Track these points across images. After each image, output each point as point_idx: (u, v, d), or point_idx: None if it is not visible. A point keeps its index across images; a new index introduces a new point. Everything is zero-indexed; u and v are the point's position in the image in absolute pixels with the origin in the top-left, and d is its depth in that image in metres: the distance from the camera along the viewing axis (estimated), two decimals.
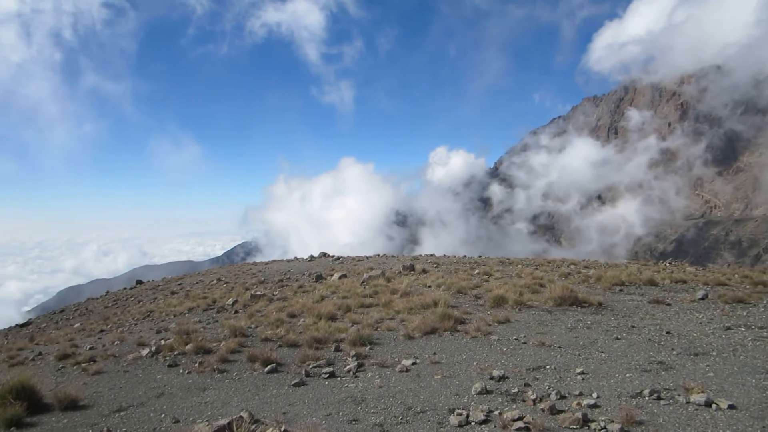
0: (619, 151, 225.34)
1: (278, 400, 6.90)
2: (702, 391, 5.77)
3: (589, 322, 10.02)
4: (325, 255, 32.63)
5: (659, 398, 5.83)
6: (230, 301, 16.09)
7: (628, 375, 6.78)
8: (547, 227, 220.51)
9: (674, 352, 7.75)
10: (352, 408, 6.34)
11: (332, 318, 11.83)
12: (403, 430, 5.55)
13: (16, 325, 25.38)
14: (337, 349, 9.15)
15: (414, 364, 8.07)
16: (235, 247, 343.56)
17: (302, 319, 11.92)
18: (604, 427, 5.10)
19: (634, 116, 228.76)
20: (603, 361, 7.52)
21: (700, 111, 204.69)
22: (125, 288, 31.43)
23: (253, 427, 5.35)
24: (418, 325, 10.10)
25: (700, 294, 12.10)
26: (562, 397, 6.06)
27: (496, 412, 5.71)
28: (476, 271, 19.57)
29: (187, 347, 9.83)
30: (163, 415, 6.62)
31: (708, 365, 7.02)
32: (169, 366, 9.04)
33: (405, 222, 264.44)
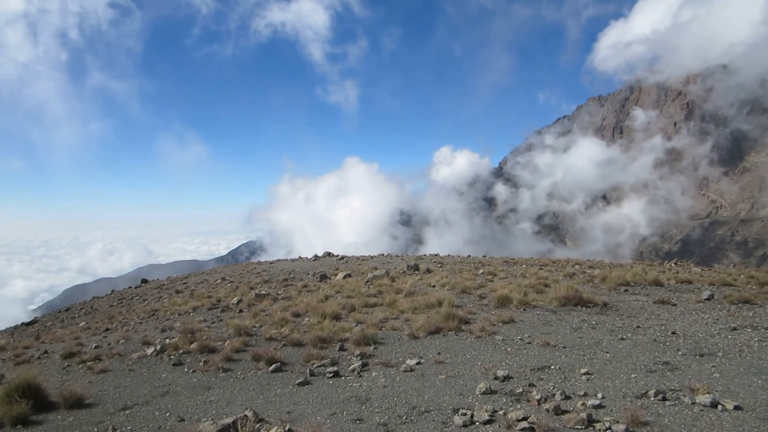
0: (624, 150, 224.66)
1: (282, 400, 6.91)
2: (708, 392, 5.74)
3: (594, 323, 9.99)
4: (329, 254, 32.67)
5: (664, 399, 5.80)
6: (235, 300, 16.13)
7: (633, 375, 6.76)
8: (552, 227, 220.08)
9: (680, 353, 7.71)
10: (356, 407, 6.34)
11: (336, 317, 11.84)
12: (407, 430, 5.54)
13: (22, 323, 25.53)
14: (342, 349, 9.16)
15: (418, 363, 8.06)
16: (239, 246, 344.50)
17: (306, 319, 11.94)
18: (609, 428, 5.08)
19: (640, 116, 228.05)
20: (608, 361, 7.49)
21: (706, 110, 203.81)
22: (130, 287, 31.54)
23: (258, 426, 5.36)
24: (422, 324, 10.09)
25: (705, 294, 12.04)
26: (567, 398, 6.04)
27: (501, 412, 5.69)
28: (480, 271, 19.54)
29: (192, 346, 9.86)
30: (167, 414, 6.64)
31: (714, 366, 6.98)
32: (173, 365, 9.07)
33: (409, 222, 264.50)
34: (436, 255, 31.35)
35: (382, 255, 32.10)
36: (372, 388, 7.04)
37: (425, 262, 24.13)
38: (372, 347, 9.17)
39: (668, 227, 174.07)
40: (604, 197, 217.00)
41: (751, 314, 10.19)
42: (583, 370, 7.01)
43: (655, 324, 9.66)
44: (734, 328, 8.98)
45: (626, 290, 13.91)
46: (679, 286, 14.47)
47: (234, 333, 10.84)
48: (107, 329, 14.67)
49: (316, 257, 32.13)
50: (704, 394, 5.70)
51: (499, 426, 5.38)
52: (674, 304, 11.53)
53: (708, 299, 11.80)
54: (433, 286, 15.83)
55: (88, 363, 9.66)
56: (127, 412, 6.84)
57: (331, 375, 7.78)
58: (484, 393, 6.39)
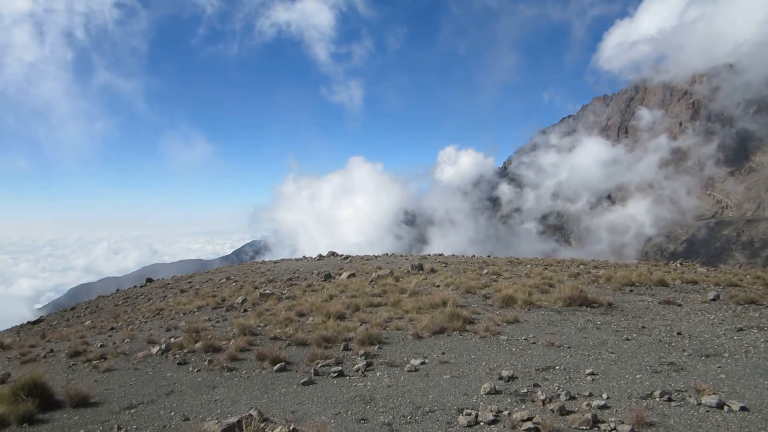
0: (630, 150, 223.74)
1: (287, 399, 6.92)
2: (713, 393, 5.72)
3: (599, 323, 9.96)
4: (333, 254, 32.68)
5: (670, 399, 5.78)
6: (239, 299, 16.15)
7: (638, 376, 6.73)
8: (557, 227, 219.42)
9: (685, 354, 7.68)
10: (360, 407, 6.34)
11: (341, 317, 11.84)
12: (412, 430, 5.54)
13: (28, 322, 25.64)
14: (346, 348, 9.17)
15: (423, 363, 8.06)
16: (244, 245, 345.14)
17: (311, 318, 11.95)
18: (614, 428, 5.07)
19: (645, 115, 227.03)
20: (613, 361, 7.47)
21: (711, 110, 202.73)
22: (135, 286, 31.65)
23: (263, 425, 5.37)
24: (426, 324, 10.08)
25: (711, 295, 11.99)
26: (572, 398, 6.03)
27: (506, 413, 5.69)
28: (485, 271, 19.50)
29: (197, 345, 9.89)
30: (172, 413, 6.66)
31: (720, 367, 6.95)
32: (178, 364, 9.10)
33: (414, 221, 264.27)
34: (440, 255, 31.32)
35: (387, 255, 32.09)
36: (376, 388, 7.04)
37: (429, 262, 24.11)
38: (376, 347, 9.17)
39: (673, 227, 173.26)
40: (609, 197, 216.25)
41: (757, 315, 10.13)
42: (588, 371, 7.00)
43: (661, 324, 9.62)
44: (740, 329, 8.93)
45: (631, 290, 13.86)
46: (685, 287, 14.40)
47: (238, 332, 10.86)
48: (112, 328, 14.73)
49: (320, 257, 32.15)
50: (710, 395, 5.68)
51: (504, 426, 5.37)
52: (680, 305, 11.48)
53: (714, 300, 11.74)
54: (438, 286, 15.82)
55: (94, 362, 9.70)
56: (132, 410, 6.87)
57: (335, 375, 7.78)
58: (489, 393, 6.38)
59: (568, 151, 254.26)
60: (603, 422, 5.24)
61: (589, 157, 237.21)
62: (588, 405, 5.74)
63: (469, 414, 5.67)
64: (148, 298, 24.28)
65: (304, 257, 34.90)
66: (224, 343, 10.13)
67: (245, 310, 14.46)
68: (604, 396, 6.00)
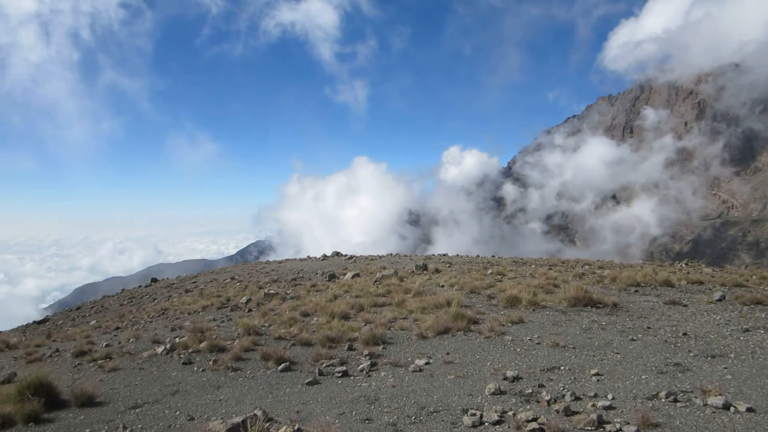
0: (635, 150, 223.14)
1: (292, 399, 6.92)
2: (720, 394, 5.68)
3: (604, 323, 9.92)
4: (338, 254, 32.71)
5: (676, 400, 5.75)
6: (244, 299, 16.18)
7: (643, 376, 6.70)
8: (561, 227, 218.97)
9: (691, 354, 7.64)
10: (365, 407, 6.34)
11: (345, 317, 11.85)
12: (416, 430, 5.54)
13: (34, 321, 25.79)
14: (351, 348, 9.17)
15: (427, 363, 8.05)
16: (248, 245, 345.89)
17: (315, 318, 11.96)
18: (620, 429, 5.05)
19: (650, 115, 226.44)
20: (618, 362, 7.44)
21: (717, 110, 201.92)
22: (140, 286, 31.76)
23: (267, 425, 5.37)
24: (431, 324, 10.07)
25: (717, 295, 11.93)
26: (577, 399, 6.01)
27: (510, 413, 5.68)
28: (489, 271, 19.48)
29: (202, 345, 9.91)
30: (177, 413, 6.67)
31: (726, 367, 6.91)
32: (183, 364, 9.12)
33: (418, 221, 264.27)
34: (444, 255, 31.30)
35: (391, 255, 32.09)
36: (381, 388, 7.04)
37: (434, 262, 24.09)
38: (381, 347, 9.17)
39: (679, 227, 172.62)
40: (614, 197, 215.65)
41: (763, 315, 10.07)
42: (593, 371, 6.97)
43: (666, 325, 9.58)
44: (746, 330, 8.88)
45: (636, 291, 13.81)
46: (690, 287, 14.34)
47: (243, 332, 10.88)
48: (118, 328, 14.79)
49: (324, 257, 32.19)
50: (716, 395, 5.64)
51: (509, 427, 5.36)
52: (685, 305, 11.42)
53: (719, 300, 11.68)
54: (442, 286, 15.81)
55: (99, 361, 9.74)
56: (137, 410, 6.89)
57: (340, 375, 7.79)
58: (494, 393, 6.36)
59: (573, 151, 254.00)
60: (608, 423, 5.22)
61: (593, 157, 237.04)
62: (593, 406, 5.72)
63: (474, 414, 5.66)
64: (153, 297, 24.37)
65: (309, 257, 34.96)
66: (229, 342, 10.14)
67: (250, 310, 14.48)
68: (610, 396, 5.98)
